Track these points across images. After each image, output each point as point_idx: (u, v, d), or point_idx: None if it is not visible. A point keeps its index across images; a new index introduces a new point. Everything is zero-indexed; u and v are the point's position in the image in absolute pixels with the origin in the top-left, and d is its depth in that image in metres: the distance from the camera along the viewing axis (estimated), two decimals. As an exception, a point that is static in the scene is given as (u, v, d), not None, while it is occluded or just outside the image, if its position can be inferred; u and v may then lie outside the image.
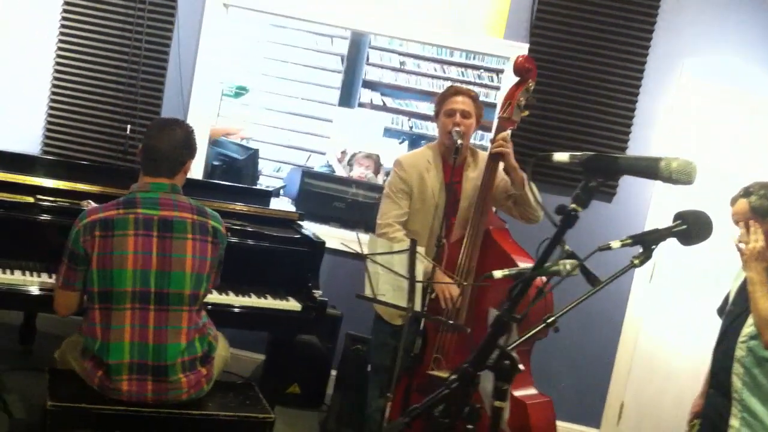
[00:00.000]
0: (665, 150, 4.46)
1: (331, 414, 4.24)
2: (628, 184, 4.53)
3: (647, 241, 1.75)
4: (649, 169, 1.66)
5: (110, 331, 2.82)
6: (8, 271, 3.29)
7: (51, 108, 4.71)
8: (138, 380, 2.83)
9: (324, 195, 5.02)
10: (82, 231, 2.82)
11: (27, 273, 3.32)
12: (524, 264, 3.26)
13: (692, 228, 1.79)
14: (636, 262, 1.74)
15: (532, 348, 3.50)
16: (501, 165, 3.54)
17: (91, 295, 2.85)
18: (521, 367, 1.67)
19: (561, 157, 1.79)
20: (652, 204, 4.54)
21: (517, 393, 3.27)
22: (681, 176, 1.64)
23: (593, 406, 4.74)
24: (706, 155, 4.47)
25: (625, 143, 4.50)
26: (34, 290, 3.27)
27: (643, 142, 4.51)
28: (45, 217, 3.44)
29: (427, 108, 7.98)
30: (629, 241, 1.75)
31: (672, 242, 1.83)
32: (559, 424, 3.50)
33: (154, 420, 2.88)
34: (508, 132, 3.56)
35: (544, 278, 1.97)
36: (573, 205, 1.71)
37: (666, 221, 1.84)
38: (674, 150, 4.38)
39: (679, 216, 1.82)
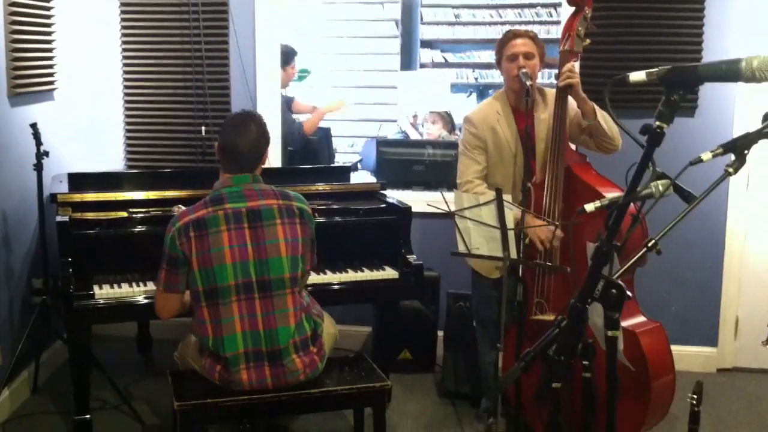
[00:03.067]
0: (743, 53, 4.29)
1: (445, 374, 4.28)
2: (708, 95, 4.38)
3: (738, 147, 1.71)
4: (730, 71, 1.61)
5: (221, 326, 2.91)
6: (116, 286, 3.43)
7: (127, 124, 4.86)
8: (256, 368, 2.92)
9: (401, 161, 5.02)
10: (177, 234, 2.91)
11: (133, 284, 3.46)
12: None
13: (783, 126, 1.73)
14: (730, 170, 1.69)
15: (634, 276, 3.45)
16: (570, 99, 3.48)
17: (197, 295, 2.94)
18: (629, 293, 1.65)
19: (637, 76, 1.75)
20: (737, 111, 4.38)
21: (625, 323, 3.23)
22: (765, 72, 1.58)
23: (707, 326, 4.64)
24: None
25: (698, 53, 4.34)
26: (142, 300, 3.40)
27: (718, 49, 4.34)
28: (140, 228, 3.57)
29: (489, 56, 7.88)
30: (720, 150, 1.70)
31: (764, 145, 1.77)
32: (675, 348, 3.45)
33: (276, 404, 2.97)
34: (574, 63, 3.49)
35: (638, 204, 1.94)
36: (658, 123, 1.67)
37: (754, 126, 1.78)
38: (752, 51, 4.21)
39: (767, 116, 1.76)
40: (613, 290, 1.66)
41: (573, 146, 3.79)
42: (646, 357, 3.16)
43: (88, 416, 3.50)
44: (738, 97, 4.37)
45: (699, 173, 1.75)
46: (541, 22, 7.85)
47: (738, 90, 4.35)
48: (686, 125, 4.35)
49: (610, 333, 1.70)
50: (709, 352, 4.66)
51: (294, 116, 5.84)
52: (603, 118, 3.45)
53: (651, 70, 1.72)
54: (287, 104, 5.63)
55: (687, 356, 4.51)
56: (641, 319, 3.36)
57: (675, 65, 1.70)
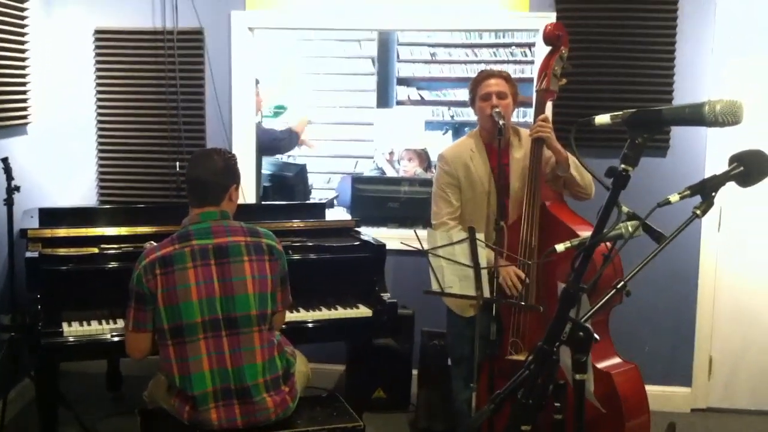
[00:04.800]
0: (715, 95, 4.36)
1: (419, 413, 4.24)
2: (680, 135, 4.44)
3: (706, 189, 1.72)
4: (694, 115, 1.62)
5: (188, 364, 2.87)
6: (85, 323, 3.37)
7: (100, 158, 4.83)
8: (225, 406, 2.87)
9: (376, 198, 5.03)
10: (143, 272, 2.88)
11: (103, 321, 3.40)
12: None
13: (749, 168, 1.74)
14: (698, 212, 1.70)
15: (609, 316, 3.45)
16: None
17: (162, 333, 2.90)
18: (596, 336, 1.65)
19: (602, 119, 1.77)
20: (708, 152, 4.44)
21: (601, 364, 3.23)
22: (727, 117, 1.60)
23: (681, 366, 4.65)
24: (757, 92, 4.36)
25: (669, 94, 4.41)
26: (112, 337, 3.33)
27: (689, 92, 4.41)
28: (112, 264, 3.52)
29: (465, 95, 7.88)
30: (687, 192, 1.72)
31: (733, 186, 1.78)
32: (649, 388, 3.44)
33: (247, 444, 2.92)
34: (547, 114, 3.52)
35: (608, 244, 1.94)
36: (623, 166, 1.68)
37: (724, 167, 1.79)
38: (724, 93, 4.28)
39: (734, 158, 1.77)
40: (581, 333, 1.65)
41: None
42: (621, 398, 3.15)
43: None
44: (710, 137, 4.43)
45: (672, 212, 1.76)
46: (516, 62, 7.93)
47: (710, 131, 4.41)
48: (658, 165, 4.40)
49: (577, 376, 1.69)
50: (684, 392, 4.66)
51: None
52: (576, 167, 3.48)
53: (616, 113, 1.74)
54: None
55: (661, 396, 4.51)
56: (616, 360, 3.36)
57: (639, 109, 1.71)
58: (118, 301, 3.33)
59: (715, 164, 4.34)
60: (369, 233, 4.21)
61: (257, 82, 5.63)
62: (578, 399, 1.70)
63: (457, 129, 8.05)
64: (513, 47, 8.03)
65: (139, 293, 2.89)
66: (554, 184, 3.63)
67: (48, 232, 3.66)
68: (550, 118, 3.81)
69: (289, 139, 5.78)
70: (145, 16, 4.68)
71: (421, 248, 3.13)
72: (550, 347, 1.65)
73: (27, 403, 4.31)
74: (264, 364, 2.93)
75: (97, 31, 4.73)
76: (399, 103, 8.33)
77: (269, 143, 5.35)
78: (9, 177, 3.73)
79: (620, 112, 1.71)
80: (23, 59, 4.32)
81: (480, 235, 3.08)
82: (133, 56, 4.73)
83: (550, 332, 1.66)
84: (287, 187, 5.65)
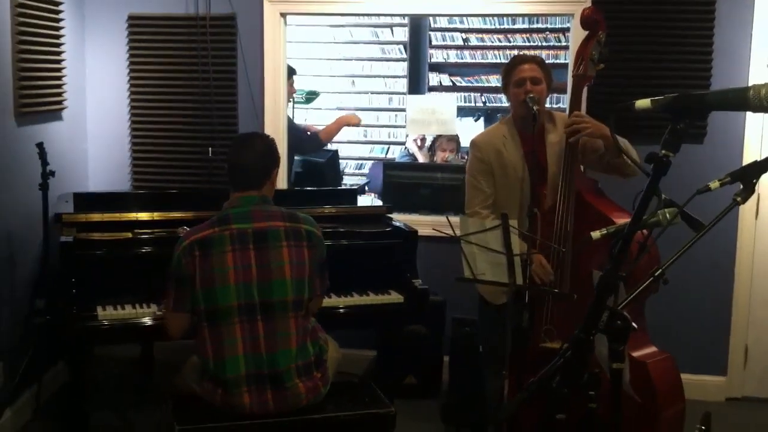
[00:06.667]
0: (754, 80, 4.28)
1: (450, 400, 4.23)
2: (718, 122, 4.35)
3: (747, 176, 1.67)
4: (738, 100, 1.58)
5: (223, 347, 2.89)
6: (119, 307, 3.41)
7: (134, 144, 4.86)
8: (257, 391, 2.89)
9: (408, 184, 5.01)
10: (182, 254, 2.90)
11: (136, 306, 3.43)
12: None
13: (793, 155, 1.70)
14: (738, 199, 1.66)
15: (644, 305, 3.41)
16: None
17: (199, 314, 2.92)
18: (634, 325, 1.62)
19: (643, 103, 1.72)
20: (747, 139, 4.35)
21: (636, 353, 3.19)
22: (773, 102, 1.56)
23: (717, 354, 4.59)
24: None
25: (707, 80, 4.33)
26: (147, 321, 3.37)
27: (727, 76, 4.33)
28: (145, 249, 3.55)
29: (498, 81, 7.87)
30: (728, 179, 1.68)
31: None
32: (685, 377, 3.40)
33: (278, 429, 2.93)
34: (580, 112, 3.46)
35: (645, 232, 1.91)
36: (663, 151, 1.65)
37: (764, 154, 1.75)
38: (764, 78, 4.20)
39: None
40: (618, 321, 1.62)
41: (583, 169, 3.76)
42: (656, 387, 3.11)
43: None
44: (748, 124, 4.34)
45: (710, 200, 1.72)
46: (550, 47, 7.84)
47: (748, 117, 4.33)
48: (695, 152, 4.32)
49: (614, 365, 1.66)
50: (718, 381, 4.60)
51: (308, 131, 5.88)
52: (626, 149, 3.38)
53: (656, 98, 1.70)
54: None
55: (696, 385, 4.45)
56: (651, 349, 3.31)
57: (681, 93, 1.67)
58: (152, 286, 3.37)
59: (754, 151, 4.25)
60: (400, 220, 4.20)
61: (293, 72, 5.62)
62: (615, 388, 1.67)
63: (490, 115, 7.99)
64: (547, 32, 7.95)
65: (178, 275, 2.91)
66: (597, 165, 3.57)
67: (82, 217, 3.69)
68: (584, 104, 3.74)
69: (312, 143, 5.71)
70: (178, 2, 4.69)
71: (453, 234, 3.11)
72: (587, 336, 1.62)
73: (62, 387, 4.37)
74: (297, 349, 2.95)
75: (131, 17, 4.75)
76: (431, 89, 8.29)
77: (293, 141, 5.31)
78: (44, 162, 3.77)
79: (661, 97, 1.67)
80: (58, 45, 4.36)
81: (513, 222, 3.05)
82: (166, 42, 4.74)
83: (587, 321, 1.63)
84: (318, 173, 5.64)
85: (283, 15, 4.69)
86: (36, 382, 4.06)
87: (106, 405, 3.83)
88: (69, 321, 3.27)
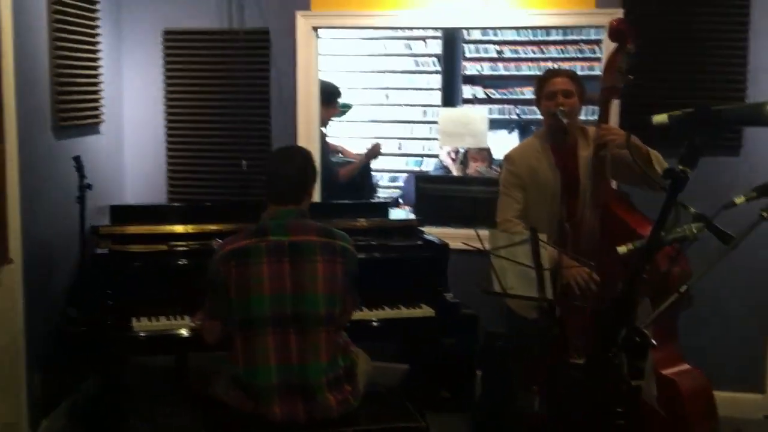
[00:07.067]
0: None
1: (482, 414, 4.21)
2: (754, 134, 4.29)
3: (771, 191, 1.66)
4: (754, 115, 1.58)
5: (255, 357, 2.91)
6: (154, 318, 3.46)
7: (169, 156, 4.93)
8: (288, 402, 2.90)
9: (441, 197, 5.01)
10: (219, 262, 2.94)
11: (171, 317, 3.48)
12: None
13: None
14: (765, 214, 1.65)
15: (677, 321, 3.36)
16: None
17: (232, 323, 2.95)
18: (653, 341, 1.61)
19: (660, 118, 1.72)
20: (785, 151, 4.30)
21: (666, 371, 3.15)
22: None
23: (754, 372, 4.51)
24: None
25: (742, 92, 4.27)
26: (182, 332, 3.42)
27: (763, 90, 4.27)
28: (180, 261, 3.61)
29: (532, 93, 7.85)
30: (754, 194, 1.67)
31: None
32: (721, 394, 3.35)
33: (308, 440, 2.94)
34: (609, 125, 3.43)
35: (674, 246, 1.89)
36: (681, 167, 1.64)
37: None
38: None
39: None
40: (637, 338, 1.61)
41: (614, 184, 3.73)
42: (686, 405, 3.08)
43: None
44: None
45: (744, 212, 1.70)
46: (584, 59, 7.79)
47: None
48: (731, 165, 4.26)
49: (634, 382, 1.64)
50: (756, 398, 4.52)
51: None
52: (657, 162, 3.37)
53: (674, 112, 1.69)
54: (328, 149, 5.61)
55: (733, 402, 4.36)
56: (683, 366, 3.26)
57: (697, 107, 1.66)
58: (186, 298, 3.42)
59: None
60: (432, 233, 4.20)
61: (338, 95, 5.63)
62: (632, 405, 1.65)
63: (524, 128, 7.96)
64: (581, 44, 7.90)
65: (214, 283, 2.96)
66: (629, 180, 3.55)
67: (118, 229, 3.77)
68: (615, 117, 3.72)
69: (328, 173, 5.66)
70: (212, 16, 4.76)
71: (482, 248, 3.11)
72: (604, 353, 1.61)
73: (95, 397, 4.41)
74: (328, 363, 2.95)
75: (166, 32, 4.83)
76: (465, 101, 8.28)
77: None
78: (81, 175, 3.83)
79: (679, 112, 1.66)
80: (95, 59, 4.44)
81: (543, 236, 3.04)
82: (201, 56, 4.82)
83: (605, 338, 1.62)
84: (351, 185, 5.65)
85: (316, 29, 4.73)
86: (71, 392, 4.11)
87: (139, 413, 3.87)
88: (104, 332, 3.33)
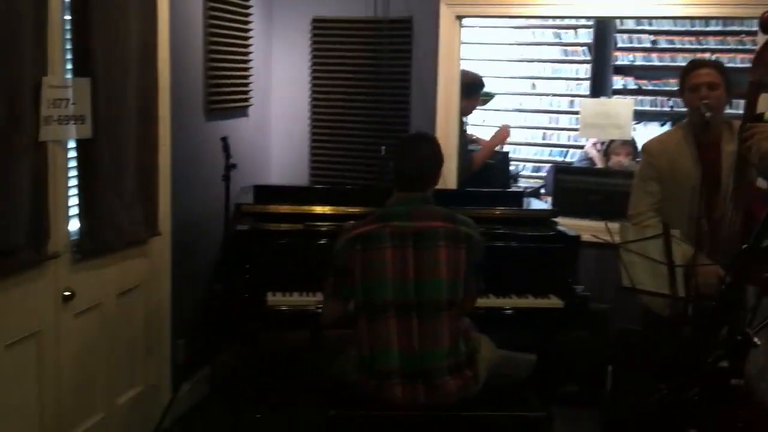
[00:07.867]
0: None
1: (612, 411, 4.12)
2: None
3: None
4: None
5: (378, 339, 2.98)
6: (287, 294, 3.61)
7: (313, 140, 5.11)
8: (409, 384, 2.95)
9: (578, 189, 4.93)
10: (345, 245, 3.02)
11: (304, 293, 3.62)
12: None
13: None
14: None
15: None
16: None
17: (358, 306, 3.04)
18: (756, 341, 1.54)
19: None
20: None
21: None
22: None
23: None
24: None
25: None
26: (313, 308, 3.53)
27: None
28: (315, 240, 3.73)
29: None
30: None
31: None
32: None
33: (427, 422, 2.99)
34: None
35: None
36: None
37: None
38: None
39: None
40: (739, 337, 1.55)
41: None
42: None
43: (258, 415, 3.73)
44: None
45: None
46: (745, 51, 7.40)
47: None
48: None
49: (734, 381, 1.59)
50: None
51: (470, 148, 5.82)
52: None
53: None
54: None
55: None
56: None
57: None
58: (320, 275, 3.52)
59: None
60: (568, 225, 4.15)
61: (482, 86, 5.59)
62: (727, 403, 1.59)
63: (676, 120, 7.66)
64: (743, 35, 7.51)
65: (339, 265, 3.04)
66: None
67: (259, 208, 3.94)
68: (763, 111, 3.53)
69: (465, 162, 5.62)
70: (359, 5, 4.87)
71: (611, 241, 3.05)
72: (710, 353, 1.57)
73: (234, 366, 4.62)
74: (450, 348, 2.98)
75: (315, 20, 4.99)
76: (616, 92, 8.06)
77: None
78: (227, 155, 4.03)
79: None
80: (246, 46, 4.65)
81: (676, 231, 2.95)
82: (346, 44, 4.95)
83: (709, 338, 1.58)
84: (487, 173, 5.63)
85: (459, 17, 4.75)
86: (212, 360, 4.35)
87: (270, 389, 4.03)
88: (241, 305, 3.49)
